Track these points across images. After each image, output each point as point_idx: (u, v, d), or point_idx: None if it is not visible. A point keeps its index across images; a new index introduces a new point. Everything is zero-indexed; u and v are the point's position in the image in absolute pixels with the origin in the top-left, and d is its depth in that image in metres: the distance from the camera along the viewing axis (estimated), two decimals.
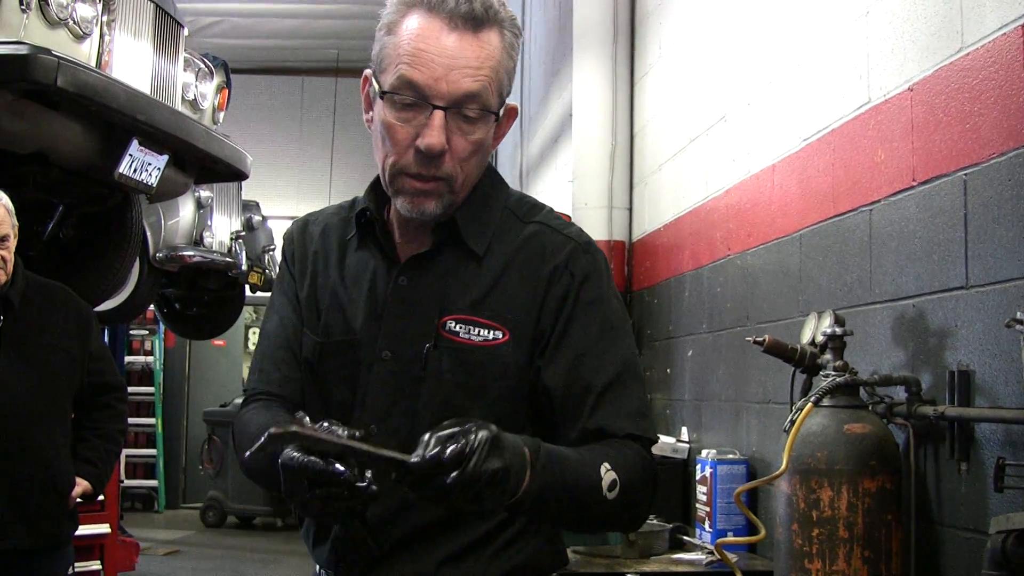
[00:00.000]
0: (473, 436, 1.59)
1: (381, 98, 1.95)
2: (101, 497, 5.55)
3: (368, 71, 2.04)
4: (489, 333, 2.00)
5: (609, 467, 1.86)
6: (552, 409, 2.03)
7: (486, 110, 1.95)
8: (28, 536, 3.99)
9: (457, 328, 2.00)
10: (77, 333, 4.28)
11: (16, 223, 4.15)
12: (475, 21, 1.92)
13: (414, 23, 1.92)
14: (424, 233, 2.07)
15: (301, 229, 2.26)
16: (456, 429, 1.61)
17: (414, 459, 1.59)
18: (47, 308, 4.22)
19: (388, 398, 2.02)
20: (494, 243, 2.07)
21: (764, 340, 3.65)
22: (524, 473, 1.69)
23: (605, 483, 1.84)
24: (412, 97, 1.92)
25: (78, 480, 4.19)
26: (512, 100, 2.06)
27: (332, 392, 2.10)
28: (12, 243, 4.09)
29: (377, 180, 2.10)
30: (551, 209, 2.19)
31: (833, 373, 3.44)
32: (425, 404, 2.00)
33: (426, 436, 1.62)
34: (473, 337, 2.00)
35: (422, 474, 1.59)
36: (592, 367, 2.01)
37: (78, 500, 4.24)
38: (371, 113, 2.03)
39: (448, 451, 1.58)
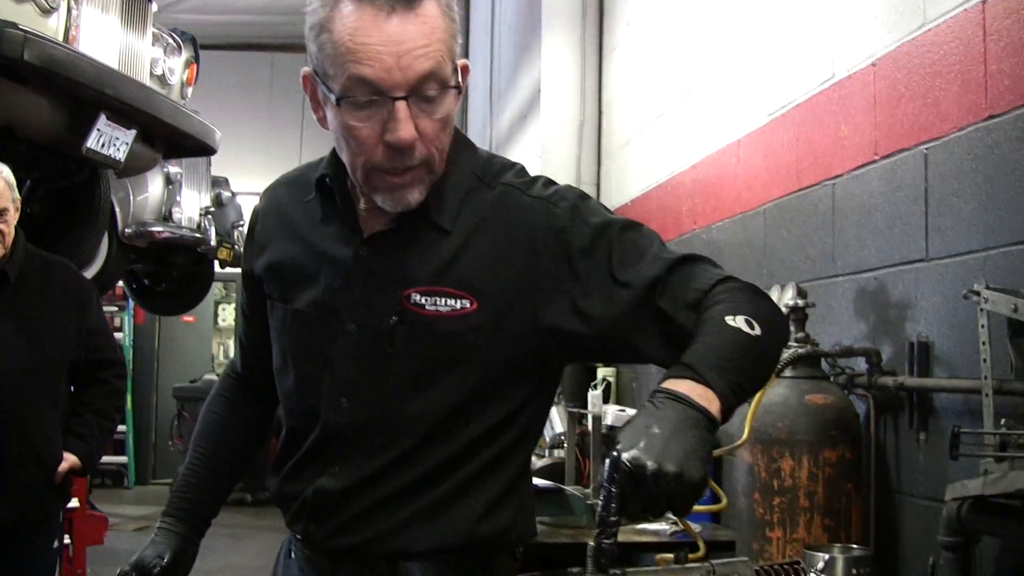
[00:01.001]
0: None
1: (337, 104, 1.85)
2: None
3: (307, 70, 1.93)
4: (456, 303, 1.92)
5: (731, 316, 1.77)
6: (628, 335, 1.90)
7: (445, 85, 1.86)
8: (12, 509, 3.98)
9: (422, 300, 1.92)
10: (75, 308, 4.24)
11: (17, 197, 4.13)
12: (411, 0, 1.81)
13: (349, 17, 1.80)
14: None
15: (264, 198, 2.23)
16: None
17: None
18: (45, 282, 4.19)
19: (357, 372, 1.98)
20: (460, 212, 1.98)
21: None
22: (710, 426, 1.63)
23: (744, 328, 1.75)
24: (369, 95, 1.82)
25: (67, 455, 4.15)
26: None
27: (298, 364, 2.07)
28: (11, 216, 4.07)
29: None
30: (521, 168, 2.09)
31: (795, 345, 3.49)
32: (395, 379, 1.95)
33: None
34: (440, 308, 1.92)
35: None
36: (635, 273, 1.89)
37: (73, 476, 4.23)
38: (322, 112, 1.94)
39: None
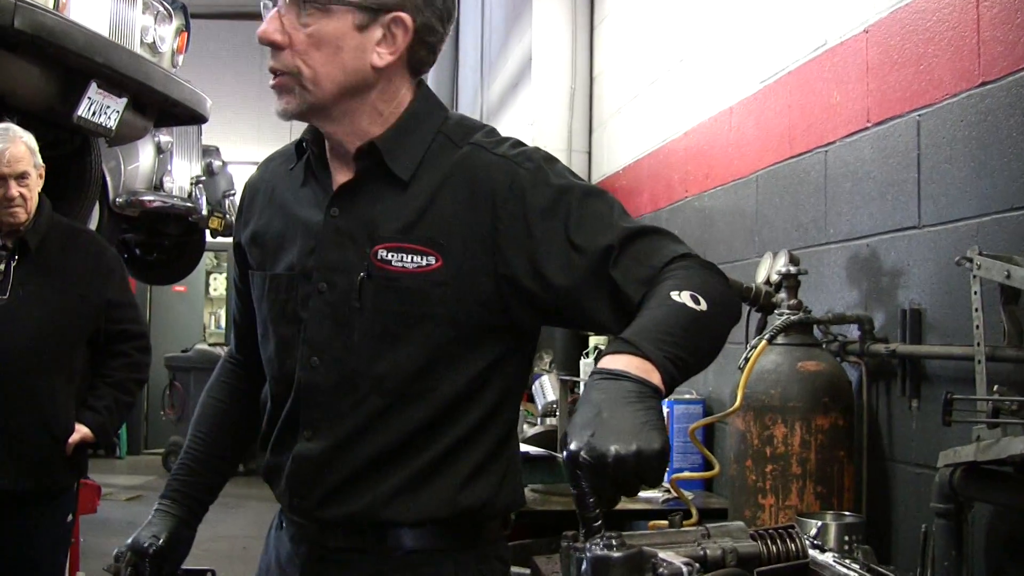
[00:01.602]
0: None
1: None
2: None
3: None
4: (422, 259, 1.95)
5: (677, 292, 1.78)
6: (580, 302, 1.94)
7: (326, 4, 1.93)
8: (20, 480, 3.96)
9: (389, 256, 1.96)
10: (97, 278, 4.20)
11: (40, 163, 4.12)
12: None
13: None
14: (351, 161, 2.05)
15: (258, 170, 2.28)
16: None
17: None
18: (67, 251, 4.17)
19: (328, 330, 2.01)
20: (424, 168, 2.01)
21: None
22: (654, 394, 1.62)
23: (688, 304, 1.76)
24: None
25: (78, 427, 4.12)
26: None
27: (276, 329, 2.10)
28: (33, 181, 4.06)
29: None
30: (492, 129, 2.12)
31: (787, 312, 3.49)
32: (362, 335, 1.98)
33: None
34: (406, 264, 1.95)
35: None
36: (591, 239, 1.92)
37: (86, 449, 4.21)
38: None
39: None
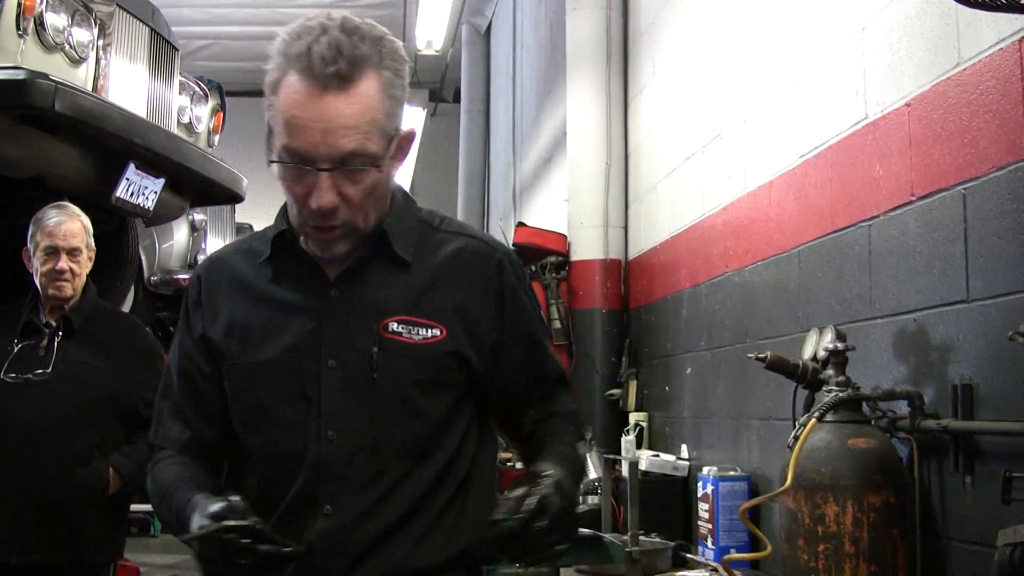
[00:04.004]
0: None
1: (269, 164, 2.05)
2: None
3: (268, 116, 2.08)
4: (428, 332, 2.11)
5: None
6: (513, 396, 2.28)
7: (372, 161, 2.02)
8: (53, 553, 3.96)
9: (400, 328, 2.10)
10: (137, 363, 4.22)
11: (92, 245, 4.18)
12: (342, 79, 1.96)
13: (290, 87, 1.97)
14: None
15: (207, 268, 2.31)
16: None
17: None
18: (110, 334, 4.21)
19: (344, 403, 2.09)
20: (420, 250, 2.18)
21: (767, 356, 3.66)
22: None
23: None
24: (298, 163, 1.99)
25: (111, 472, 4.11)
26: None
27: (275, 411, 2.13)
28: (83, 260, 4.13)
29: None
30: (454, 218, 2.34)
31: (836, 388, 3.45)
32: (384, 405, 2.09)
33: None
34: (415, 336, 2.11)
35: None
36: (543, 360, 2.31)
37: (123, 524, 4.21)
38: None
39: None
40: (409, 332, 2.11)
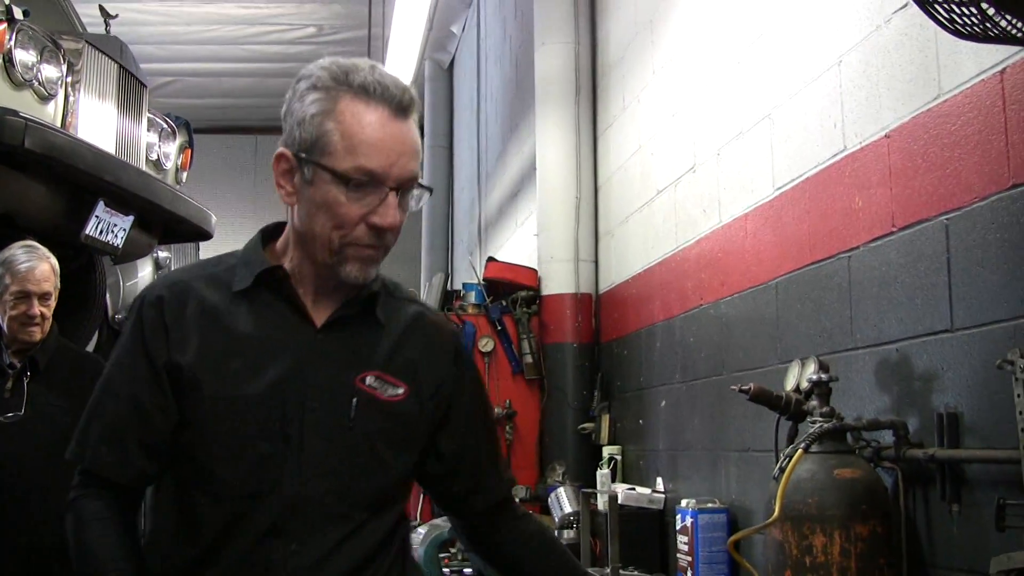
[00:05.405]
0: None
1: (335, 179, 2.09)
2: None
3: (284, 151, 2.16)
4: (397, 389, 2.24)
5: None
6: (446, 470, 2.39)
7: (421, 186, 2.19)
8: None
9: (375, 383, 2.22)
10: None
11: (59, 285, 4.15)
12: (406, 111, 2.13)
13: (361, 113, 2.10)
14: (332, 293, 2.23)
15: (169, 290, 2.24)
16: None
17: None
18: (75, 376, 4.17)
19: (324, 446, 2.16)
20: (386, 312, 2.30)
21: (750, 388, 3.66)
22: None
23: None
24: (367, 181, 2.09)
25: None
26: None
27: (253, 447, 2.13)
28: (52, 303, 4.09)
29: (262, 240, 2.31)
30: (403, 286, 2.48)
31: (820, 419, 3.46)
32: (356, 453, 2.18)
33: None
34: (386, 392, 2.22)
35: None
36: (484, 441, 2.46)
37: None
38: (291, 188, 2.16)
39: None
40: (382, 388, 2.22)
